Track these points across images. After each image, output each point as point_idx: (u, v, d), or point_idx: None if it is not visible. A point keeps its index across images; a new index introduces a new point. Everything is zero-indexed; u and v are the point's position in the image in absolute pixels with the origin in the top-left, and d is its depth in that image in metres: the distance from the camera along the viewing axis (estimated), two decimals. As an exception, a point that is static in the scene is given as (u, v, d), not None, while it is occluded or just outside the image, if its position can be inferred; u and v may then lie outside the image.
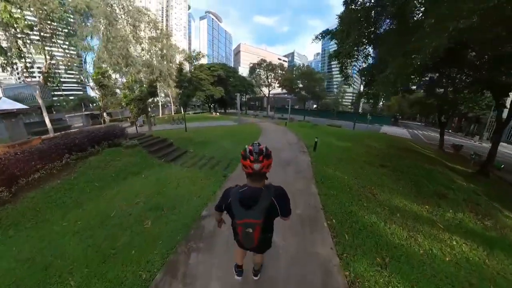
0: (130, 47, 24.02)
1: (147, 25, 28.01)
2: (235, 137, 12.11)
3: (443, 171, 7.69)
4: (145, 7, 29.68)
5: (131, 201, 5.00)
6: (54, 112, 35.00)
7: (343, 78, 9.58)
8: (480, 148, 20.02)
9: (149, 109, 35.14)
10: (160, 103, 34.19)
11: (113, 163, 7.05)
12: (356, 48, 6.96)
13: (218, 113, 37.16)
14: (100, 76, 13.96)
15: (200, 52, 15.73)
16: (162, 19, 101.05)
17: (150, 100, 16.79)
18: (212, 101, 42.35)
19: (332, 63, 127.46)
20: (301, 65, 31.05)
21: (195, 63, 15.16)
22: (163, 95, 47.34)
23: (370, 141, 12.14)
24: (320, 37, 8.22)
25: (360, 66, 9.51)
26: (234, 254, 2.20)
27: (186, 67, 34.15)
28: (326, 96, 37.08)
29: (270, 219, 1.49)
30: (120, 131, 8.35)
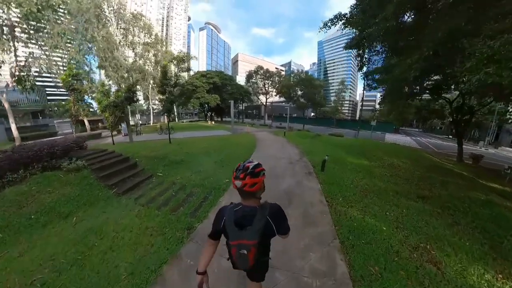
0: (117, 50, 22.39)
1: (141, 30, 26.49)
2: (223, 151, 9.91)
3: (502, 203, 5.50)
4: (140, 13, 28.24)
5: (28, 276, 2.82)
6: (41, 118, 32.80)
7: (362, 77, 7.53)
8: (489, 155, 17.96)
9: (140, 117, 33.14)
10: (152, 111, 32.12)
11: (39, 197, 4.82)
12: (391, 27, 4.81)
13: (213, 122, 35.10)
14: (70, 79, 11.82)
15: (187, 53, 13.70)
16: (162, 29, 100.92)
17: (133, 106, 14.61)
18: (208, 109, 40.45)
19: (328, 72, 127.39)
20: (300, 71, 29.00)
21: (183, 65, 13.07)
22: (157, 102, 45.50)
23: (388, 156, 9.99)
24: (331, 24, 6.20)
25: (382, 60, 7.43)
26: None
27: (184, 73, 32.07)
28: (326, 104, 35.05)
29: (266, 239, 1.34)
30: (62, 148, 6.11)
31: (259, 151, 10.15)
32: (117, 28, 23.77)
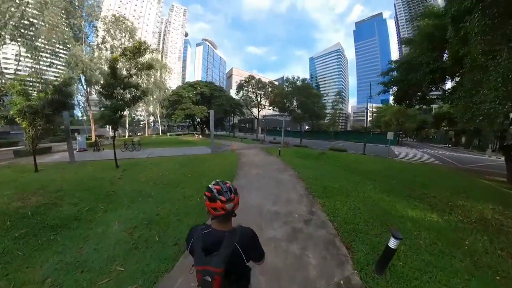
0: (96, 51, 18.50)
1: (123, 35, 23.02)
2: (174, 191, 5.61)
3: None
4: (123, 15, 24.87)
5: None
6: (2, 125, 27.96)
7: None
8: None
9: (103, 130, 28.53)
10: (127, 121, 27.71)
11: None
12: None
13: (200, 136, 30.81)
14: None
15: (144, 42, 9.71)
16: (159, 41, 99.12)
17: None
18: (198, 122, 36.28)
19: (320, 86, 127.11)
20: (296, 78, 25.22)
21: (139, 58, 9.05)
22: (143, 113, 41.17)
23: (450, 192, 5.86)
24: None
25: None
26: None
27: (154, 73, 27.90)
28: (326, 115, 31.19)
29: (235, 268, 1.13)
30: None
31: (239, 186, 5.91)
32: (89, 26, 20.12)
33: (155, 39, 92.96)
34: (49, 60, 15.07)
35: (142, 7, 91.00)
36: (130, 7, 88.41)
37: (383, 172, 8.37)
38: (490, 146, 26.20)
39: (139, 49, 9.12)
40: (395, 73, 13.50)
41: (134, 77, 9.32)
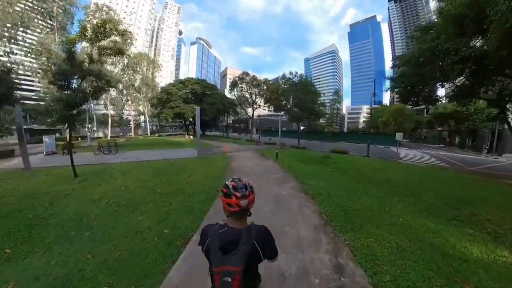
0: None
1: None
2: (136, 213, 3.84)
3: None
4: (107, 5, 22.75)
5: None
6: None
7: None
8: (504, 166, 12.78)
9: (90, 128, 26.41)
10: (109, 120, 25.50)
11: None
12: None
13: (191, 136, 28.85)
14: None
15: (110, 20, 7.74)
16: (152, 39, 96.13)
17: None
18: (190, 121, 34.24)
19: (315, 85, 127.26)
20: (293, 74, 23.51)
21: (104, 41, 7.21)
22: (131, 112, 38.85)
23: (498, 209, 4.33)
24: None
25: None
26: None
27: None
28: (324, 114, 29.57)
29: (253, 265, 1.11)
30: None
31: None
32: (64, 13, 18.04)
33: (148, 36, 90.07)
34: (8, 47, 12.92)
35: (134, 3, 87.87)
36: (122, 3, 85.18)
37: (406, 182, 6.80)
38: (484, 146, 25.81)
39: (103, 28, 7.28)
40: (395, 69, 12.25)
41: (119, 71, 7.60)
